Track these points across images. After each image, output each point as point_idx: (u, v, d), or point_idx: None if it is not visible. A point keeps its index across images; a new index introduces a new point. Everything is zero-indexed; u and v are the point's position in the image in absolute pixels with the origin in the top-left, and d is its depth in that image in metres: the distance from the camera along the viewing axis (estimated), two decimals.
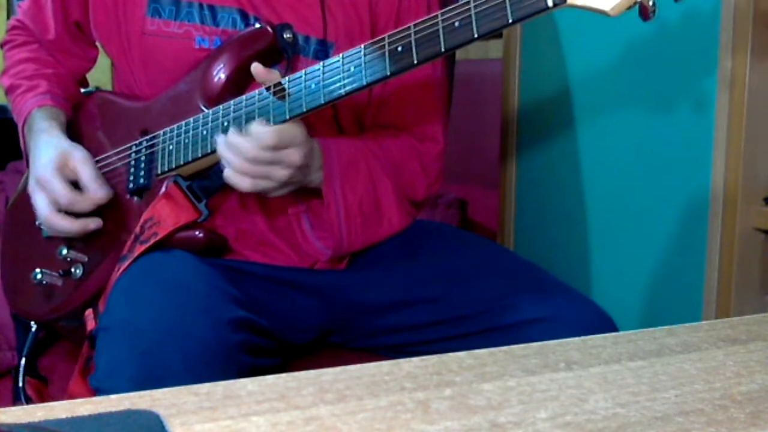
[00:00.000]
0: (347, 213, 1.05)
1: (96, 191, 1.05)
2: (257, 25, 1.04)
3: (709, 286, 1.20)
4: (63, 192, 1.03)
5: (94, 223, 1.07)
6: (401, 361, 0.61)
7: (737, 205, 1.15)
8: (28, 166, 1.12)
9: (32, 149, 1.09)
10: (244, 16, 1.06)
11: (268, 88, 0.96)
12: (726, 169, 1.16)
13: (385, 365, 0.60)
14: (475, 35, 0.85)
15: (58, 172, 1.04)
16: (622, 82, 1.37)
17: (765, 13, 1.11)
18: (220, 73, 1.03)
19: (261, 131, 0.93)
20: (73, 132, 1.14)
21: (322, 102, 0.94)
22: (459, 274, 1.07)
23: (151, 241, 0.98)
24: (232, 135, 0.94)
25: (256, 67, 0.95)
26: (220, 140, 0.96)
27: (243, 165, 0.94)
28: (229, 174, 0.95)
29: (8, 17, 3.06)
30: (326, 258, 1.10)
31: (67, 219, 1.05)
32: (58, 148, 1.07)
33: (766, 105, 1.14)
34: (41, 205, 1.05)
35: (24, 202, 1.16)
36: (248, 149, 0.93)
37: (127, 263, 0.98)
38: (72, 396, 0.98)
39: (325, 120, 1.08)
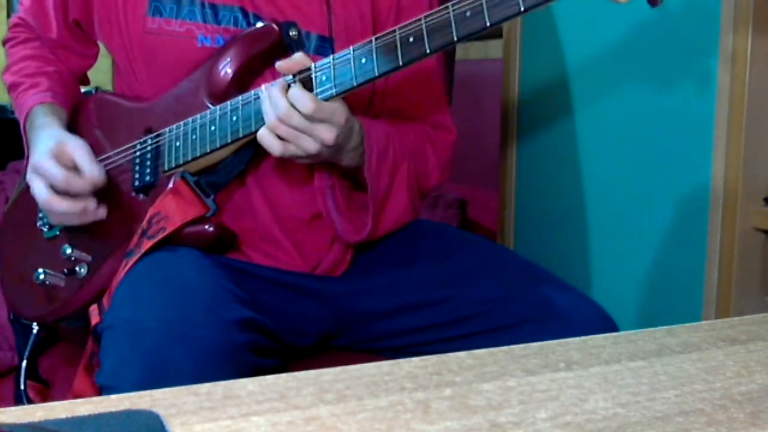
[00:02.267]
0: (378, 201, 1.06)
1: (93, 172, 1.04)
2: (260, 24, 1.04)
3: (709, 286, 1.20)
4: (58, 172, 1.02)
5: (95, 207, 1.06)
6: (401, 361, 0.61)
7: (737, 205, 1.15)
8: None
9: (32, 143, 1.09)
10: (246, 14, 1.06)
11: (294, 75, 0.96)
12: (726, 168, 1.16)
13: (385, 365, 0.60)
14: (487, 24, 0.85)
15: (53, 157, 1.04)
16: (622, 84, 1.37)
17: None
18: (226, 69, 1.03)
19: (300, 96, 0.93)
20: (74, 132, 1.14)
21: (334, 94, 0.94)
22: (460, 275, 1.07)
23: (159, 236, 0.98)
24: (275, 90, 0.95)
25: (281, 66, 0.96)
26: (264, 92, 0.96)
27: (275, 123, 0.94)
28: (263, 133, 0.95)
29: (8, 17, 3.07)
30: (354, 240, 1.09)
31: (67, 200, 1.04)
32: (56, 137, 1.07)
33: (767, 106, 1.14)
34: (40, 190, 1.04)
35: (23, 203, 1.16)
36: (283, 107, 0.93)
37: (134, 258, 0.97)
38: (76, 393, 0.98)
39: None
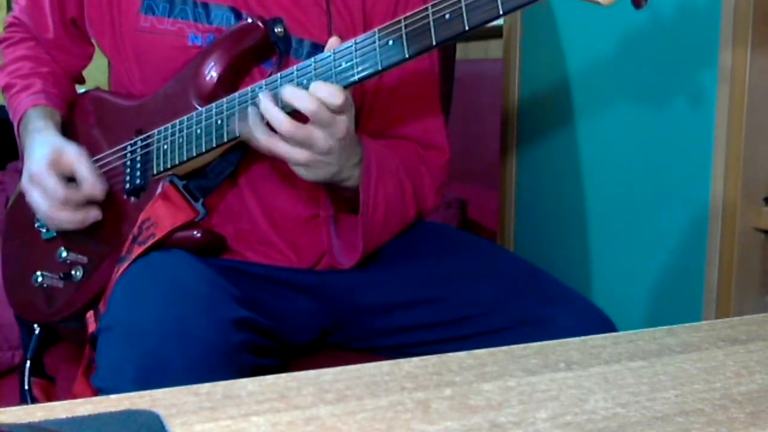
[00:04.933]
0: (377, 214, 1.04)
1: (94, 185, 1.03)
2: (249, 20, 1.04)
3: (709, 286, 1.20)
4: (57, 187, 1.02)
5: (94, 213, 1.06)
6: (401, 361, 0.61)
7: (737, 205, 1.15)
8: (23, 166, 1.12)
9: (27, 148, 1.09)
10: (238, 15, 1.06)
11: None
12: (726, 169, 1.16)
13: (385, 365, 0.60)
14: (466, 27, 0.85)
15: (51, 167, 1.03)
16: (623, 82, 1.37)
17: (765, 8, 1.11)
18: (212, 71, 1.03)
19: (327, 87, 0.89)
20: (69, 132, 1.13)
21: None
22: (459, 276, 1.07)
23: (149, 242, 0.98)
24: (291, 90, 0.91)
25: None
26: (264, 99, 0.92)
27: (313, 107, 0.89)
28: (266, 107, 0.91)
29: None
30: (346, 266, 1.08)
31: (68, 211, 1.04)
32: (53, 145, 1.06)
33: (766, 101, 1.14)
34: (38, 200, 1.04)
35: (22, 204, 1.16)
36: (311, 101, 0.89)
37: (125, 264, 0.97)
38: (76, 397, 0.98)
39: None
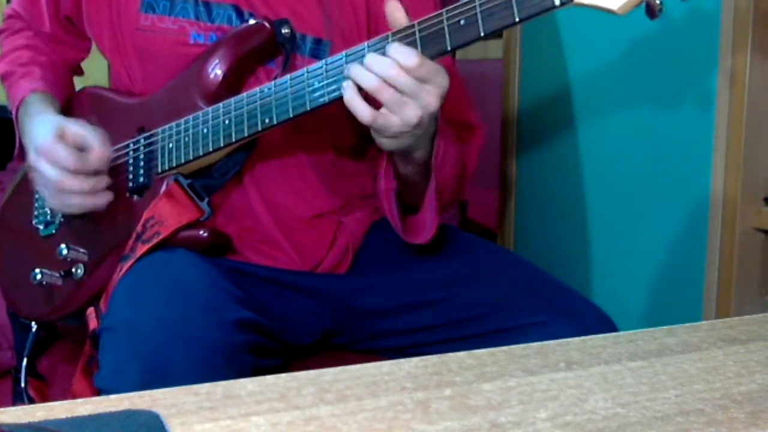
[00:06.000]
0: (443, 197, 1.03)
1: (103, 150, 1.01)
2: (253, 21, 1.04)
3: (709, 286, 1.20)
4: (66, 153, 0.99)
5: (102, 183, 1.03)
6: (401, 361, 0.61)
7: (737, 205, 1.15)
8: (21, 157, 1.11)
9: (28, 130, 1.08)
10: (240, 13, 1.05)
11: (396, 33, 0.89)
12: (726, 169, 1.16)
13: (385, 365, 0.60)
14: (481, 33, 0.84)
15: (58, 139, 1.01)
16: (623, 81, 1.37)
17: (765, 13, 1.11)
18: (216, 70, 1.03)
19: (404, 50, 0.87)
20: None
21: (326, 101, 0.92)
22: (461, 277, 1.07)
23: (154, 241, 0.98)
24: (371, 55, 0.88)
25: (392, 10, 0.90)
26: (354, 65, 0.89)
27: (379, 86, 0.86)
28: (351, 97, 0.88)
29: None
30: (422, 240, 1.04)
31: (80, 177, 1.00)
32: (55, 122, 1.05)
33: (766, 103, 1.14)
34: (49, 172, 1.00)
35: (18, 200, 1.16)
36: (389, 64, 0.86)
37: (129, 263, 0.97)
38: (75, 395, 0.98)
39: (342, 120, 1.05)
